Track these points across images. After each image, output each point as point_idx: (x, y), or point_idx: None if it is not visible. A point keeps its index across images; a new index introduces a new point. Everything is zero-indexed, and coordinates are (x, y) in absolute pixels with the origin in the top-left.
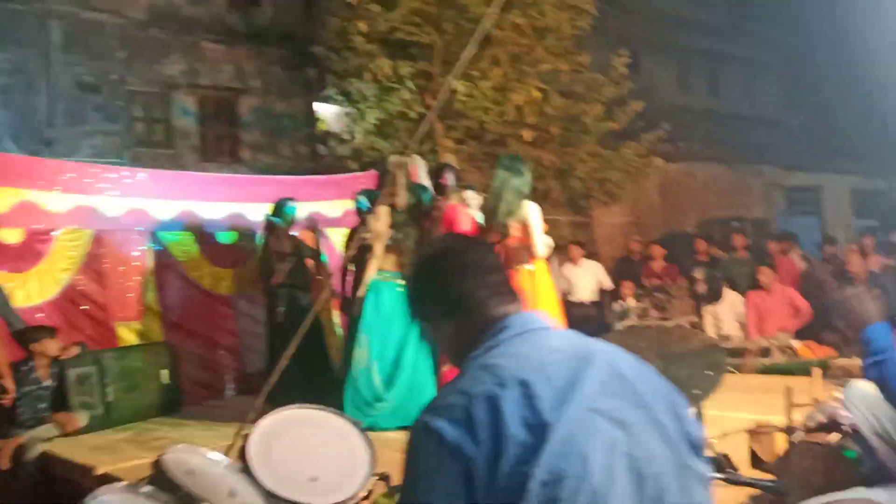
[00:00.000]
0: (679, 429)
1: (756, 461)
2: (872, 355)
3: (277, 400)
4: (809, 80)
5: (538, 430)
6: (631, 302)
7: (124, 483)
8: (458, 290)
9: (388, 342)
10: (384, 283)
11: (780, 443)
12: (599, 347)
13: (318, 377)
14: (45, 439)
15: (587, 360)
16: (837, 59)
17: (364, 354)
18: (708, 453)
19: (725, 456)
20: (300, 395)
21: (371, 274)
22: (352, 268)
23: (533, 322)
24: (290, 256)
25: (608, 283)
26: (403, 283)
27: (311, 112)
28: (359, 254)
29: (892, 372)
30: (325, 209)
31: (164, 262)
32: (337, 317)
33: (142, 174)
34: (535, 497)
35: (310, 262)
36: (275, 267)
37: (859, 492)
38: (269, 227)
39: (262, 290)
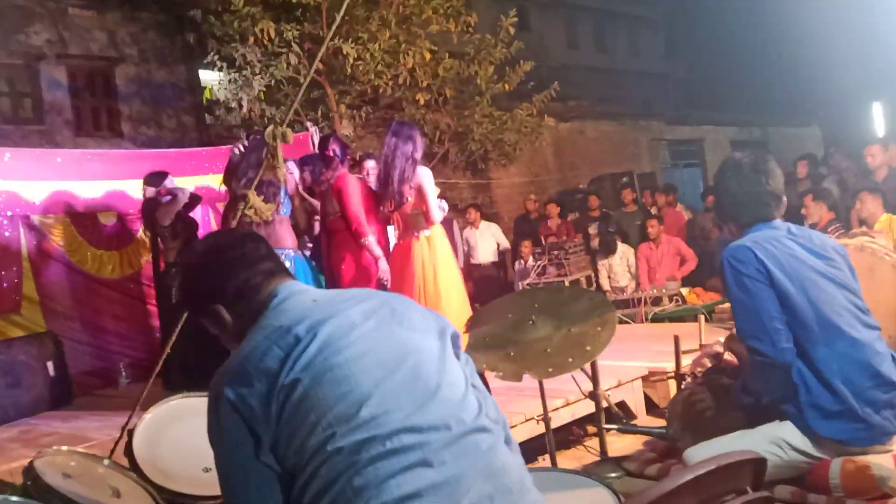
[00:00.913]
0: (434, 327)
1: (651, 407)
2: None
3: (177, 387)
4: (688, 35)
5: (299, 351)
6: (530, 260)
7: None
8: (234, 284)
9: None
10: None
11: (673, 389)
12: (359, 291)
13: (218, 361)
14: None
15: (342, 300)
16: (712, 14)
17: None
18: (603, 404)
19: (621, 404)
20: (199, 379)
21: None
22: None
23: (296, 286)
24: (180, 234)
25: (507, 244)
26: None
27: (194, 80)
28: None
29: None
30: (215, 182)
31: (41, 247)
32: None
33: (8, 154)
34: (304, 394)
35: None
36: (164, 246)
37: (742, 435)
38: (150, 204)
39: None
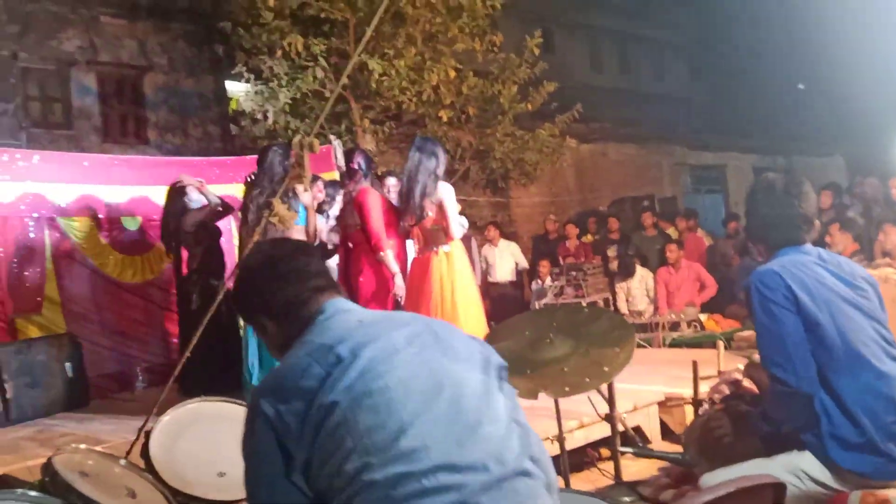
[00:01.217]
0: (479, 359)
1: (667, 433)
2: None
3: (192, 392)
4: (713, 61)
5: (339, 372)
6: (548, 280)
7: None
8: (282, 298)
9: None
10: None
11: (690, 415)
12: (404, 315)
13: (235, 367)
14: None
15: (387, 322)
16: (738, 41)
17: (245, 340)
18: (619, 427)
19: (637, 428)
20: (215, 385)
21: None
22: None
23: (344, 304)
24: (202, 241)
25: (525, 263)
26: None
27: (221, 90)
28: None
29: None
30: (238, 192)
31: (65, 249)
32: None
33: (37, 156)
34: (343, 418)
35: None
36: (187, 252)
37: (760, 464)
38: (178, 211)
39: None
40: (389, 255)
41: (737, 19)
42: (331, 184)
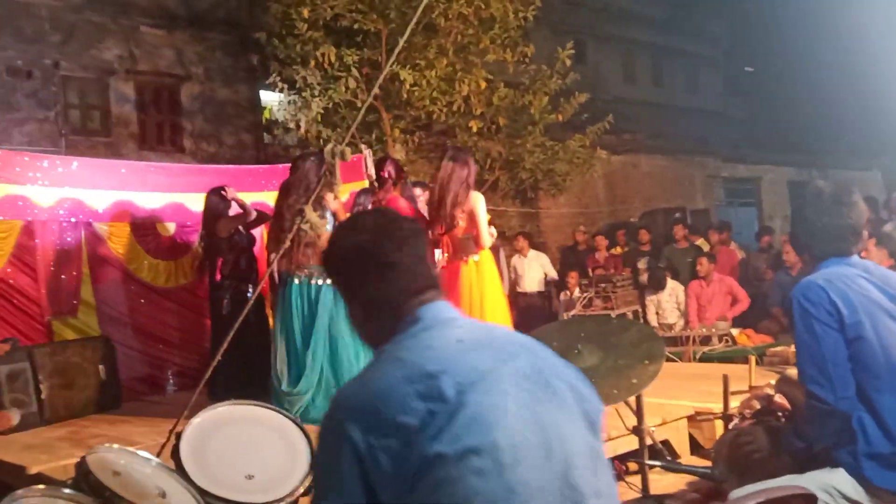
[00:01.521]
0: (582, 410)
1: (696, 448)
2: None
3: (221, 396)
4: (748, 75)
5: (444, 416)
6: (576, 292)
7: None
8: (377, 292)
9: (294, 335)
10: (293, 276)
11: (720, 430)
12: (504, 335)
13: (263, 373)
14: None
15: (491, 350)
16: (773, 54)
17: (274, 347)
18: (647, 440)
19: (665, 443)
20: (244, 390)
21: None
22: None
23: (442, 313)
24: (235, 248)
25: (554, 274)
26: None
27: (255, 99)
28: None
29: None
30: (270, 199)
31: (101, 254)
32: None
33: (76, 163)
34: (446, 475)
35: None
36: (220, 258)
37: (790, 480)
38: (212, 218)
39: (206, 282)
40: None
41: (772, 32)
42: (362, 192)
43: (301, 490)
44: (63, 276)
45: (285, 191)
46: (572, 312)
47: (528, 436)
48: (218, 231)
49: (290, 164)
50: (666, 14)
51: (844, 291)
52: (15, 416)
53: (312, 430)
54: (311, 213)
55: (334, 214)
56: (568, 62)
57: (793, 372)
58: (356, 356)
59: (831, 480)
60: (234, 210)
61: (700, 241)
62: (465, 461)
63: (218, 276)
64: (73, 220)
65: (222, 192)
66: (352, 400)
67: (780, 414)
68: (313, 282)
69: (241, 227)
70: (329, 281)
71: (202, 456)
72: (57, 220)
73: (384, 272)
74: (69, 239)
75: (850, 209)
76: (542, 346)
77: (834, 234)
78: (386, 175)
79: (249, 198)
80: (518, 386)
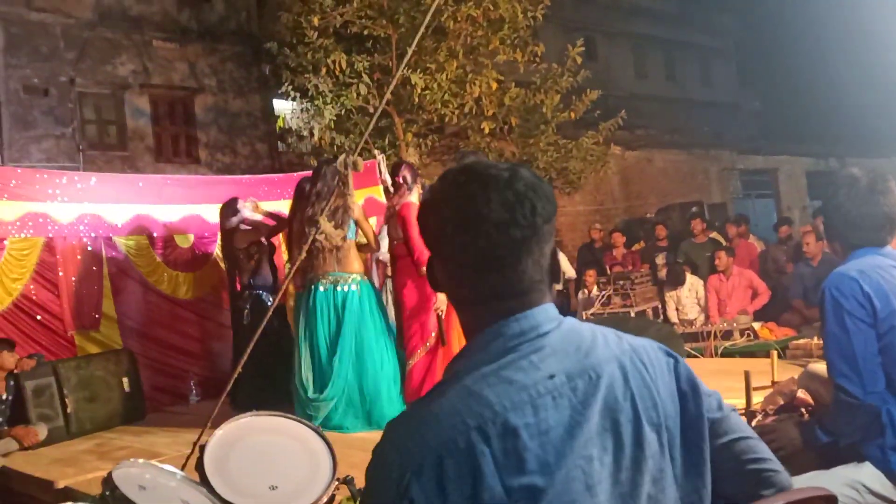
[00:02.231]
0: (684, 457)
1: None
2: None
3: (243, 406)
4: (761, 66)
5: (524, 491)
6: (594, 290)
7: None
8: (474, 287)
9: (319, 342)
10: (318, 283)
11: None
12: (607, 361)
13: (285, 382)
14: (3, 454)
15: (590, 389)
16: (786, 44)
17: (298, 354)
18: None
19: None
20: (265, 400)
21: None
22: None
23: (530, 328)
24: (254, 257)
25: (571, 273)
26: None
27: (268, 109)
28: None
29: None
30: (286, 208)
31: (121, 267)
32: None
33: (94, 178)
34: None
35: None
36: (239, 268)
37: (816, 476)
38: (231, 228)
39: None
40: None
41: (785, 22)
42: None
43: (324, 500)
44: (85, 291)
45: (304, 199)
46: (591, 311)
47: None
48: (235, 242)
49: (305, 172)
50: (676, 8)
51: (878, 282)
52: (42, 431)
53: (335, 437)
54: (325, 224)
55: (356, 222)
56: (579, 59)
57: (816, 366)
58: (381, 364)
59: (858, 476)
60: (249, 216)
61: (713, 234)
62: None
63: (238, 286)
64: (93, 234)
65: (247, 206)
66: (413, 434)
67: (803, 409)
68: (339, 288)
69: (259, 237)
70: (355, 287)
71: (225, 467)
72: (77, 235)
73: (492, 263)
74: (90, 254)
75: (886, 197)
76: (636, 363)
77: (870, 222)
78: (401, 180)
79: (266, 206)
80: (602, 447)
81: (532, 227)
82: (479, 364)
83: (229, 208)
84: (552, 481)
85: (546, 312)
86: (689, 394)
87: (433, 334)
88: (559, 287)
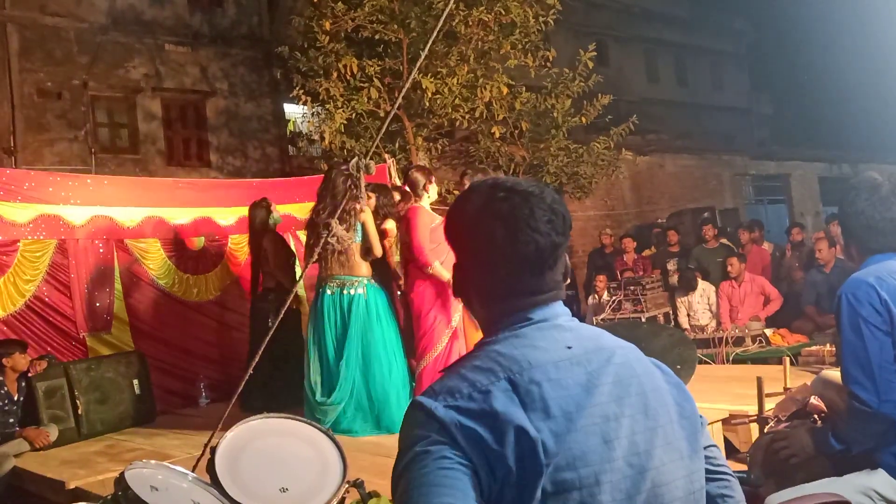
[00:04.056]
0: (683, 431)
1: (731, 451)
2: None
3: (253, 408)
4: (774, 70)
5: (550, 432)
6: (605, 295)
7: None
8: (487, 281)
9: (326, 345)
10: (326, 286)
11: (755, 433)
12: (609, 346)
13: (296, 384)
14: (15, 455)
15: (602, 363)
16: (799, 49)
17: (308, 357)
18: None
19: None
20: (275, 402)
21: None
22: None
23: (553, 315)
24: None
25: (582, 278)
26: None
27: (279, 113)
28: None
29: None
30: (297, 212)
31: (132, 270)
32: None
33: (106, 181)
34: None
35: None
36: (263, 270)
37: (828, 483)
38: (259, 230)
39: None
40: (437, 266)
41: (798, 26)
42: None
43: (334, 503)
44: (96, 293)
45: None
46: (601, 316)
47: (625, 470)
48: (263, 244)
49: (315, 176)
50: (688, 12)
51: (895, 289)
52: (53, 433)
53: (344, 440)
54: (337, 227)
55: (363, 225)
56: (590, 64)
57: (830, 372)
58: (389, 368)
59: (870, 483)
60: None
61: (725, 240)
62: (565, 498)
63: (260, 288)
64: (104, 237)
65: (270, 207)
66: (441, 385)
67: (816, 416)
68: (346, 292)
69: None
70: (361, 291)
71: (237, 469)
72: (89, 238)
73: (513, 261)
74: (102, 256)
75: None
76: (638, 356)
77: (892, 227)
78: (407, 188)
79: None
80: (619, 406)
81: (565, 235)
82: (506, 337)
83: (260, 208)
84: (574, 426)
85: (563, 307)
86: (682, 395)
87: (444, 339)
88: (570, 293)
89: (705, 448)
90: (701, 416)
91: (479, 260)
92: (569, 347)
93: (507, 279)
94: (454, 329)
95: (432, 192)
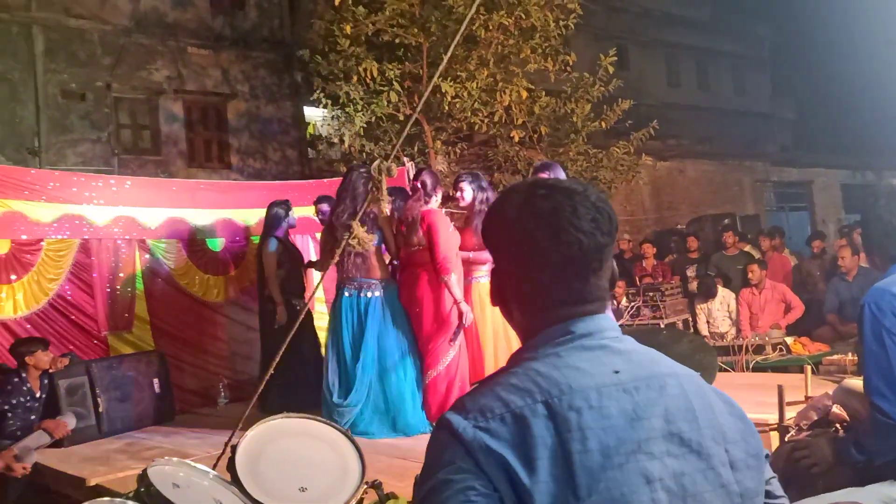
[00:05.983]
0: (751, 482)
1: None
2: None
3: (272, 408)
4: (796, 75)
5: (582, 472)
6: (624, 301)
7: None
8: (539, 287)
9: (344, 347)
10: (344, 288)
11: (775, 442)
12: (670, 375)
13: (314, 385)
14: (36, 448)
15: (653, 393)
16: (822, 53)
17: (326, 358)
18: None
19: None
20: (294, 403)
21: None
22: None
23: (598, 330)
24: (286, 262)
25: None
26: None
27: (299, 116)
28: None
29: None
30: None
31: (154, 270)
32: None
33: (129, 182)
34: None
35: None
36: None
37: (850, 493)
38: (263, 233)
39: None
40: (453, 280)
41: (820, 30)
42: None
43: (353, 502)
44: (118, 292)
45: (336, 203)
46: (620, 322)
47: None
48: (258, 251)
49: (334, 179)
50: (709, 16)
51: None
52: (71, 421)
53: (362, 442)
54: (358, 229)
55: (381, 229)
56: (611, 69)
57: (852, 381)
58: (405, 371)
59: (893, 493)
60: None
61: (748, 248)
62: None
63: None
64: (127, 237)
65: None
66: (472, 402)
67: (838, 425)
68: (363, 294)
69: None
70: (378, 293)
71: (257, 468)
72: (112, 237)
73: (555, 268)
74: (124, 256)
75: None
76: (698, 386)
77: None
78: (418, 185)
79: (296, 212)
80: (668, 442)
81: (611, 235)
82: (547, 354)
83: (279, 207)
84: (611, 463)
85: (610, 321)
86: (748, 429)
87: (452, 351)
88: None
89: (766, 482)
90: (766, 451)
91: (519, 264)
92: (616, 372)
93: (549, 285)
94: (460, 337)
95: (438, 198)
